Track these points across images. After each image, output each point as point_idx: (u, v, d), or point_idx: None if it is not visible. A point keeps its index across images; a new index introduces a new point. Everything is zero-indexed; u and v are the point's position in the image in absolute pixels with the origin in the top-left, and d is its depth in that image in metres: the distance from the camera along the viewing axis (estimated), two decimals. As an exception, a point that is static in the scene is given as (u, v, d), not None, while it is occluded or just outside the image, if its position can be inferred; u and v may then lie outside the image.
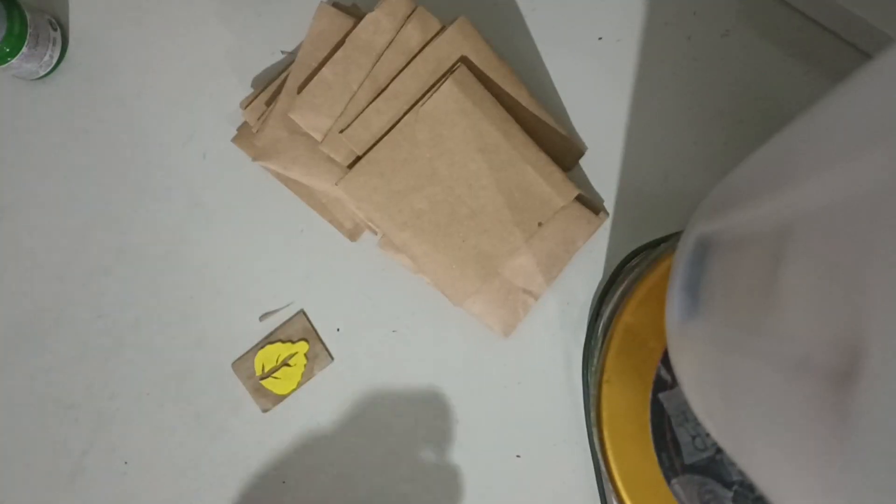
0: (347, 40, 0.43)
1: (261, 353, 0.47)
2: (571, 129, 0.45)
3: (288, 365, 0.46)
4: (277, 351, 0.46)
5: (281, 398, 0.46)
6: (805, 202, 0.18)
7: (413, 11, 0.42)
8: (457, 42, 0.42)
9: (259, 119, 0.45)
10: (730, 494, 0.34)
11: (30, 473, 0.48)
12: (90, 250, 0.49)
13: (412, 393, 0.46)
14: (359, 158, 0.42)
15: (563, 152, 0.44)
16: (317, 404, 0.47)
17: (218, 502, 0.47)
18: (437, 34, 0.42)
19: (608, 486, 0.38)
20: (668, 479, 0.35)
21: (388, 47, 0.42)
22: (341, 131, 0.42)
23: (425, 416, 0.45)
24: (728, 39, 0.45)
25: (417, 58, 0.42)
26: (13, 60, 0.46)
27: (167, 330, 0.48)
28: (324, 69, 0.42)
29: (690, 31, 0.45)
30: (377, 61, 0.42)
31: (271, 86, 0.45)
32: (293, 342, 0.46)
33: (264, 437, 0.47)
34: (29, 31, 0.46)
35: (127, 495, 0.47)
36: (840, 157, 0.17)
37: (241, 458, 0.47)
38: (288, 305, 0.47)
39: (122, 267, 0.48)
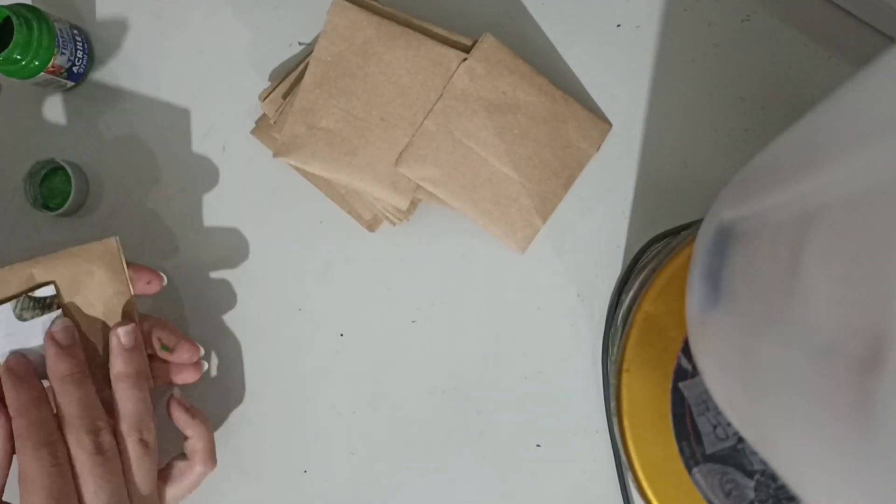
0: (445, 90, 0.43)
1: None
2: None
3: None
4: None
5: None
6: (828, 189, 0.18)
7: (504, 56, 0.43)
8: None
9: (277, 111, 0.45)
10: (752, 484, 0.34)
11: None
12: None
13: (430, 384, 0.46)
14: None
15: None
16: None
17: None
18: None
19: (629, 476, 0.38)
20: (689, 469, 0.35)
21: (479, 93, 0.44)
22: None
23: (444, 406, 0.46)
24: (749, 24, 0.44)
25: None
26: (43, 73, 0.46)
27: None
28: (426, 121, 0.43)
29: (711, 16, 0.45)
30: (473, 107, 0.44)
31: (289, 78, 0.46)
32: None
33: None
34: (58, 42, 0.46)
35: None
36: (864, 143, 0.16)
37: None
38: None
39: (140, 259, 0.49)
